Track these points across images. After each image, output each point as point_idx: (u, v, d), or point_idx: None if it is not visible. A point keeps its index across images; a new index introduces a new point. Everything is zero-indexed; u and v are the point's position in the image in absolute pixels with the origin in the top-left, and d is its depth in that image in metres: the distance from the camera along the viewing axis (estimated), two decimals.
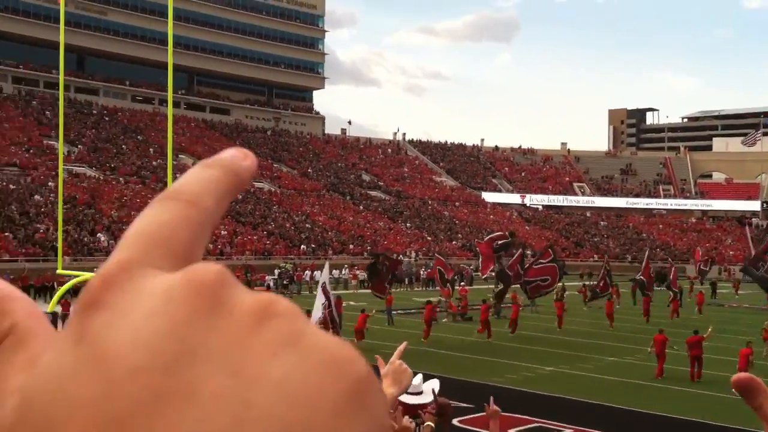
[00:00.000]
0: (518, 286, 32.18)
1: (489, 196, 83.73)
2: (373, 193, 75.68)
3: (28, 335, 0.37)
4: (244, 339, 0.33)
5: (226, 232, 52.74)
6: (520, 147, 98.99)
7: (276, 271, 45.51)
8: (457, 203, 79.27)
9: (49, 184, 50.60)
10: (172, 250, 0.38)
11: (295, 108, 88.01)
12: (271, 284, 42.98)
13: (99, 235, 45.31)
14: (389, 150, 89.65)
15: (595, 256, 67.63)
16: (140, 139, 68.78)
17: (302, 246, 55.17)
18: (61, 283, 30.17)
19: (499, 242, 35.35)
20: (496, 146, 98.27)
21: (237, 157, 0.42)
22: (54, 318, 23.96)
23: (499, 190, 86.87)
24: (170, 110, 21.69)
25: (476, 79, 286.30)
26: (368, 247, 59.16)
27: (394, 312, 31.00)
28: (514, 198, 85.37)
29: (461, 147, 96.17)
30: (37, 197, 48.57)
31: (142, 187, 57.14)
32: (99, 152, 61.99)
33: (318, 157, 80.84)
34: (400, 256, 56.69)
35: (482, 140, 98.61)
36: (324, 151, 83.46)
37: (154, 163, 63.12)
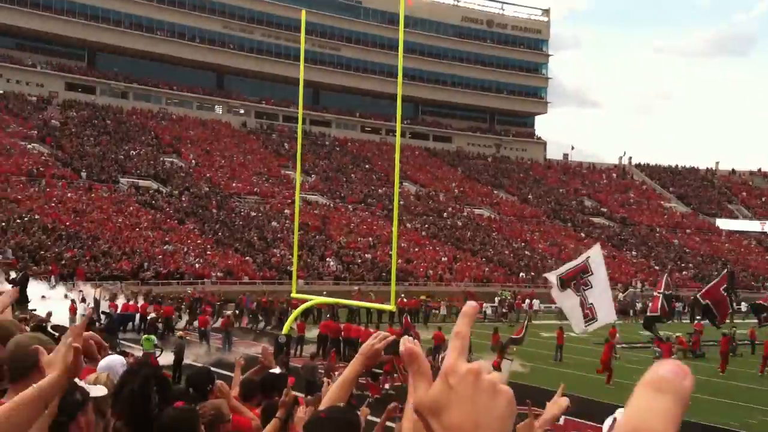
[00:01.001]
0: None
1: (724, 223, 78.67)
2: (596, 219, 74.03)
3: None
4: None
5: (446, 258, 54.15)
6: (759, 170, 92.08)
7: (496, 299, 45.86)
8: (688, 231, 75.38)
9: (285, 211, 54.80)
10: None
11: (516, 134, 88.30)
12: (489, 312, 43.39)
13: (328, 260, 48.34)
14: (614, 175, 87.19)
15: None
16: (367, 168, 72.40)
17: (521, 274, 55.24)
18: (295, 306, 32.82)
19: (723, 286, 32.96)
20: (733, 169, 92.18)
21: (678, 376, 0.54)
22: (288, 340, 24.84)
23: (736, 217, 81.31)
24: (398, 140, 23.11)
25: (710, 97, 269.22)
26: None
27: (619, 345, 30.41)
28: (752, 225, 79.46)
29: (693, 171, 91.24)
30: (274, 224, 52.77)
31: (368, 215, 60.16)
32: (330, 181, 66.13)
33: (539, 183, 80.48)
34: (628, 286, 55.07)
35: (717, 163, 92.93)
36: (545, 177, 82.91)
37: (379, 191, 66.20)
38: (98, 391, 3.31)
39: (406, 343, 2.94)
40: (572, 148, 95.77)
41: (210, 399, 4.88)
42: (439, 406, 1.04)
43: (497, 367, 20.06)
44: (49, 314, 23.92)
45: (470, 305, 1.12)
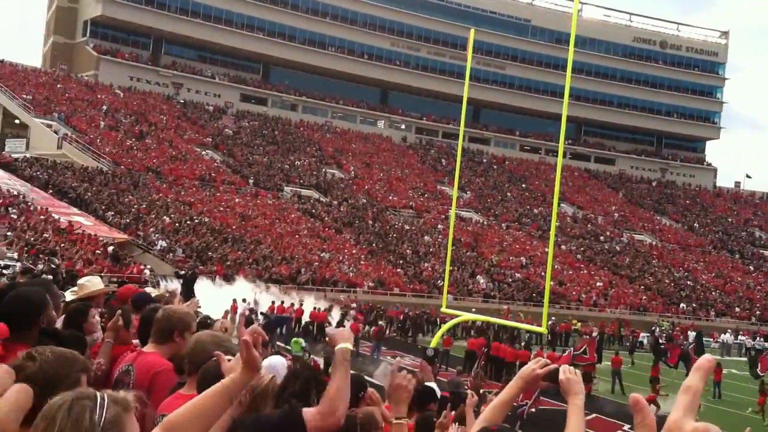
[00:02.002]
0: None
1: None
2: (767, 252, 69.53)
3: None
4: None
5: (601, 284, 52.68)
6: None
7: (654, 329, 44.04)
8: None
9: (439, 226, 55.29)
10: None
11: (684, 159, 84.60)
12: (645, 342, 41.79)
13: (478, 277, 48.29)
14: None
15: None
16: (524, 187, 71.71)
17: (681, 304, 52.79)
18: (443, 321, 33.12)
19: None
20: None
21: None
22: (435, 353, 25.05)
23: None
24: (560, 160, 22.99)
25: None
26: (757, 312, 54.59)
27: None
28: None
29: None
30: (426, 238, 53.37)
31: (522, 234, 59.56)
32: (485, 198, 66.04)
33: (706, 211, 76.60)
34: None
35: None
36: (713, 205, 78.80)
37: (535, 210, 65.39)
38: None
39: (566, 372, 3.11)
40: (747, 176, 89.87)
41: (361, 406, 5.01)
42: None
43: (653, 401, 19.48)
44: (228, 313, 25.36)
45: (706, 359, 1.06)
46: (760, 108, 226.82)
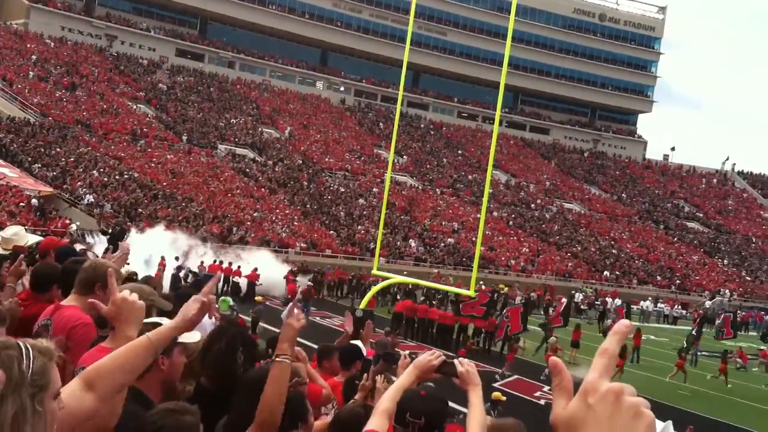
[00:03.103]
0: None
1: None
2: (690, 224, 71.96)
3: None
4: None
5: (528, 250, 53.84)
6: None
7: (577, 295, 45.19)
8: None
9: (374, 189, 55.51)
10: None
11: (616, 130, 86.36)
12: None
13: (411, 241, 48.82)
14: (714, 180, 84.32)
15: None
16: (460, 154, 72.35)
17: (605, 272, 54.42)
18: (374, 283, 33.41)
19: None
20: None
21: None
22: (365, 314, 25.32)
23: None
24: (496, 128, 23.27)
25: None
26: (677, 281, 56.65)
27: (700, 353, 30.18)
28: None
29: None
30: (361, 201, 53.58)
31: (456, 200, 60.29)
32: (421, 163, 66.46)
33: (634, 183, 78.67)
34: (715, 294, 53.58)
35: None
36: (642, 177, 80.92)
37: (469, 177, 66.14)
38: (189, 337, 3.33)
39: (464, 365, 3.22)
40: (673, 149, 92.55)
41: (352, 372, 5.03)
42: (575, 424, 1.03)
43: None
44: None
45: (624, 323, 1.13)
46: (691, 84, 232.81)
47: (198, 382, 3.84)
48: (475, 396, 3.09)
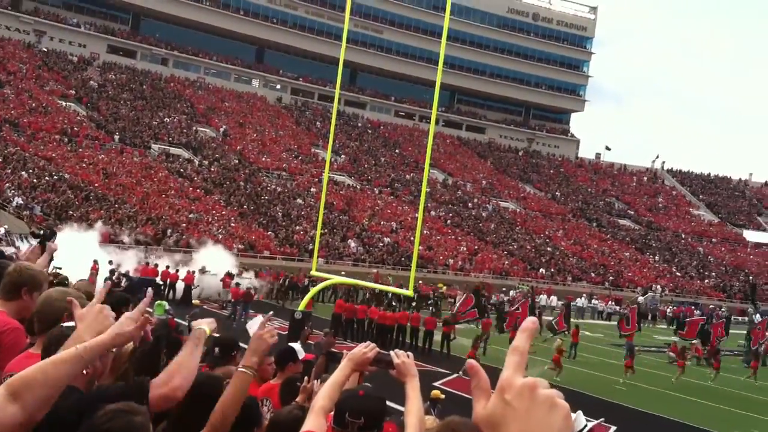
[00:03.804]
0: None
1: (751, 235, 77.92)
2: (622, 221, 73.69)
3: None
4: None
5: (466, 249, 54.31)
6: None
7: (511, 292, 45.87)
8: (713, 240, 74.83)
9: (312, 189, 55.25)
10: None
11: (550, 130, 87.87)
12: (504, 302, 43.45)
13: (350, 241, 48.71)
14: (645, 178, 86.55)
15: None
16: (397, 153, 72.58)
17: (541, 269, 55.29)
18: (314, 284, 33.20)
19: None
20: (766, 182, 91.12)
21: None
22: (305, 316, 25.04)
23: (764, 230, 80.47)
24: (432, 127, 23.30)
25: (748, 106, 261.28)
26: (610, 277, 57.89)
27: (636, 348, 30.78)
28: None
29: (726, 180, 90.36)
30: (299, 201, 53.24)
31: (393, 199, 60.43)
32: (359, 163, 66.41)
33: (568, 181, 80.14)
34: (647, 290, 54.97)
35: (750, 174, 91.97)
36: (575, 175, 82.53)
37: (407, 176, 66.39)
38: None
39: (400, 356, 3.18)
40: (608, 148, 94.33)
41: (231, 365, 5.02)
42: (496, 421, 1.05)
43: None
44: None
45: (530, 321, 1.16)
46: (621, 83, 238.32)
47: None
48: (412, 388, 3.06)
